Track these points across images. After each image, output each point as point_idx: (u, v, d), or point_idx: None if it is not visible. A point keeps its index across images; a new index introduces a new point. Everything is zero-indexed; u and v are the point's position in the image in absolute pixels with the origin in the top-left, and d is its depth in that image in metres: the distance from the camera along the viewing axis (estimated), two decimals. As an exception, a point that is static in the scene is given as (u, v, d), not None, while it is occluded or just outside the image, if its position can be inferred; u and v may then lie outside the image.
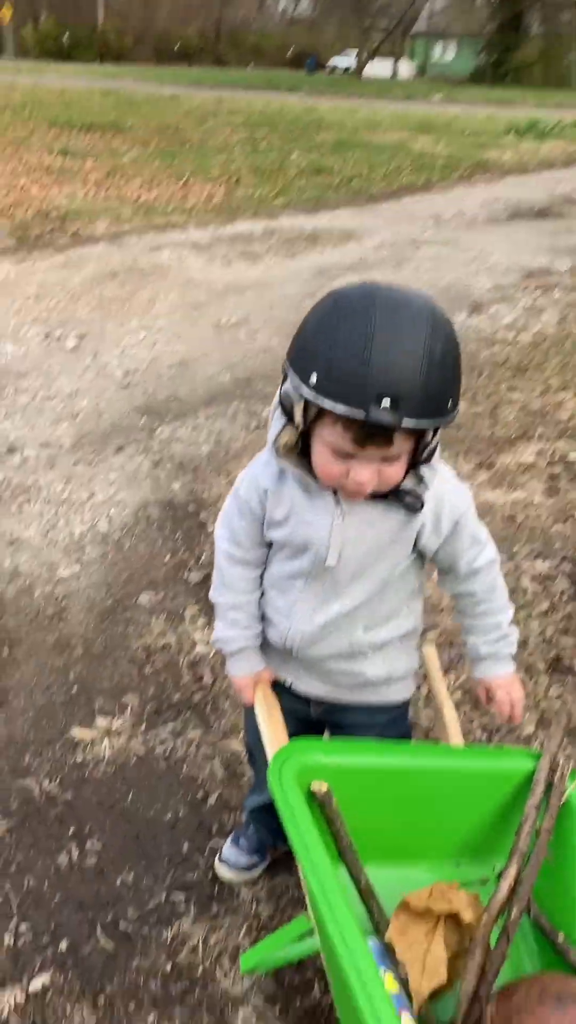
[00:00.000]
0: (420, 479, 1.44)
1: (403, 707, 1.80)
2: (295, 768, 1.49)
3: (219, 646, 1.75)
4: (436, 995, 1.45)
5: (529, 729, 2.50)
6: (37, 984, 1.75)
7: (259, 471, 1.59)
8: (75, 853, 2.05)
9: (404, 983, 1.41)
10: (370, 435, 1.32)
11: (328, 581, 1.57)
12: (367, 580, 1.56)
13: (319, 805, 1.50)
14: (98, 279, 6.77)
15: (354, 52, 58.54)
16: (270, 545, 1.65)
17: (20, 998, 1.72)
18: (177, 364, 5.09)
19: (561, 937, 1.53)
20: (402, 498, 1.46)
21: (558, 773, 1.63)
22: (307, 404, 1.37)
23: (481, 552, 1.60)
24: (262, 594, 1.71)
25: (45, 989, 1.74)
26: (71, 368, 4.95)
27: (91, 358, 5.11)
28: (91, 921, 1.89)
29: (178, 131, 18.03)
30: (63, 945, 1.84)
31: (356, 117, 22.79)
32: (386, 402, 1.26)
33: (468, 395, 4.83)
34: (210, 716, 2.48)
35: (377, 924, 1.48)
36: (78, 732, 2.40)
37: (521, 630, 2.80)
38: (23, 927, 1.87)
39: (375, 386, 1.26)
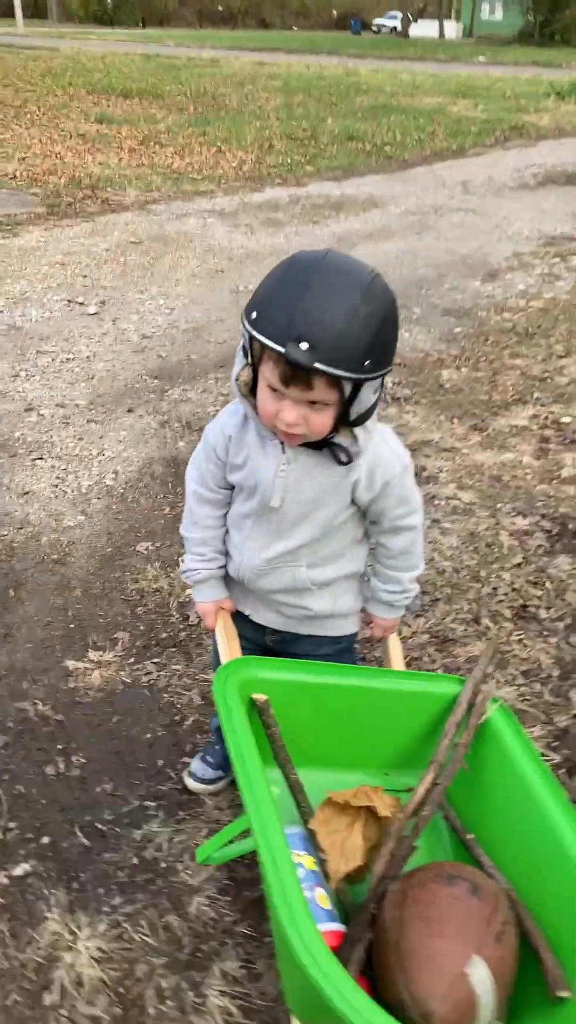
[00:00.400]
0: (355, 438, 1.63)
1: (348, 641, 2.00)
2: (238, 680, 1.70)
3: (187, 576, 1.96)
4: (354, 879, 1.67)
5: (487, 669, 2.69)
6: (19, 870, 2.00)
7: (225, 420, 1.79)
8: (62, 765, 2.30)
9: (323, 864, 1.63)
10: (293, 375, 1.49)
11: (273, 521, 1.77)
12: (309, 524, 1.75)
13: (259, 713, 1.72)
14: (123, 246, 6.97)
15: (399, 13, 57.53)
16: (233, 488, 1.85)
17: (4, 880, 1.97)
18: (192, 329, 5.30)
19: (470, 836, 1.74)
20: (335, 451, 1.65)
21: (480, 697, 1.83)
22: (251, 341, 1.56)
23: (407, 515, 1.78)
24: (226, 531, 1.92)
25: (27, 874, 1.99)
26: (91, 332, 5.18)
27: (111, 323, 5.34)
28: (71, 821, 2.13)
29: (215, 97, 18.07)
30: (45, 840, 2.09)
31: (396, 81, 22.60)
32: (304, 344, 1.43)
33: (471, 361, 4.98)
34: (193, 652, 2.71)
35: (304, 815, 1.70)
36: (72, 663, 2.64)
37: (493, 581, 3.02)
38: (12, 824, 2.12)
39: (297, 327, 1.43)
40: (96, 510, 3.42)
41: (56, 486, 3.57)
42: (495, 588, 3.06)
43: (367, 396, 1.56)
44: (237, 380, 1.67)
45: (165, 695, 2.54)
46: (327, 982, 1.19)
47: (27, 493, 3.52)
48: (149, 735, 2.40)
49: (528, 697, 2.60)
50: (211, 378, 4.61)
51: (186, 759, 2.30)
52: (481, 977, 1.37)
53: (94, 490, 3.55)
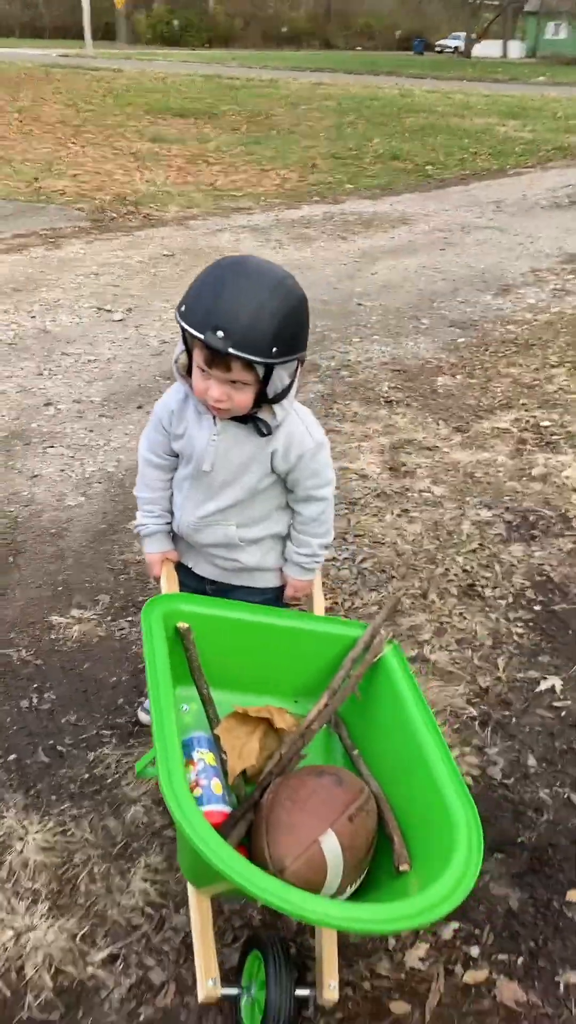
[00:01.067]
0: (274, 414, 1.95)
1: (274, 593, 2.30)
2: (164, 611, 2.03)
3: (137, 529, 2.28)
4: (250, 779, 1.98)
5: (426, 635, 2.99)
6: (-13, 778, 2.36)
7: (169, 397, 2.13)
8: (35, 700, 2.65)
9: (223, 763, 1.95)
10: (213, 358, 1.81)
11: (205, 484, 2.09)
12: (235, 486, 2.08)
13: (180, 639, 2.04)
14: (155, 259, 7.40)
15: (464, 33, 57.83)
16: (178, 456, 2.19)
17: (-27, 786, 2.33)
18: (208, 335, 5.67)
19: (356, 752, 2.04)
20: (257, 424, 1.98)
21: (377, 639, 2.13)
22: (184, 331, 1.89)
23: (317, 488, 2.08)
24: (171, 494, 2.25)
25: (-8, 782, 2.35)
26: (114, 337, 5.58)
27: (134, 329, 5.74)
28: (36, 744, 2.48)
29: (269, 117, 18.54)
30: (12, 757, 2.44)
31: (448, 101, 22.88)
32: (220, 333, 1.74)
33: (467, 369, 5.27)
34: (163, 613, 3.04)
35: (212, 723, 2.01)
36: (56, 618, 3.00)
37: (447, 563, 3.32)
38: (-15, 744, 2.48)
39: (214, 318, 1.75)
40: (96, 492, 3.79)
41: (63, 471, 3.96)
42: (447, 569, 3.35)
43: (280, 378, 1.87)
44: (176, 363, 2.01)
45: (134, 647, 2.88)
46: (195, 836, 1.48)
47: (36, 476, 3.91)
48: (114, 679, 2.74)
49: (458, 661, 2.88)
50: (219, 380, 4.97)
51: (143, 698, 2.63)
52: (331, 847, 1.67)
53: (96, 475, 3.93)
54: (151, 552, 2.29)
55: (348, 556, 3.40)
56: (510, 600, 3.20)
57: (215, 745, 1.98)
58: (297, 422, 2.01)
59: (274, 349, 1.78)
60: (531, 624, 3.09)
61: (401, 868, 1.70)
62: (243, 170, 12.30)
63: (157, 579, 2.31)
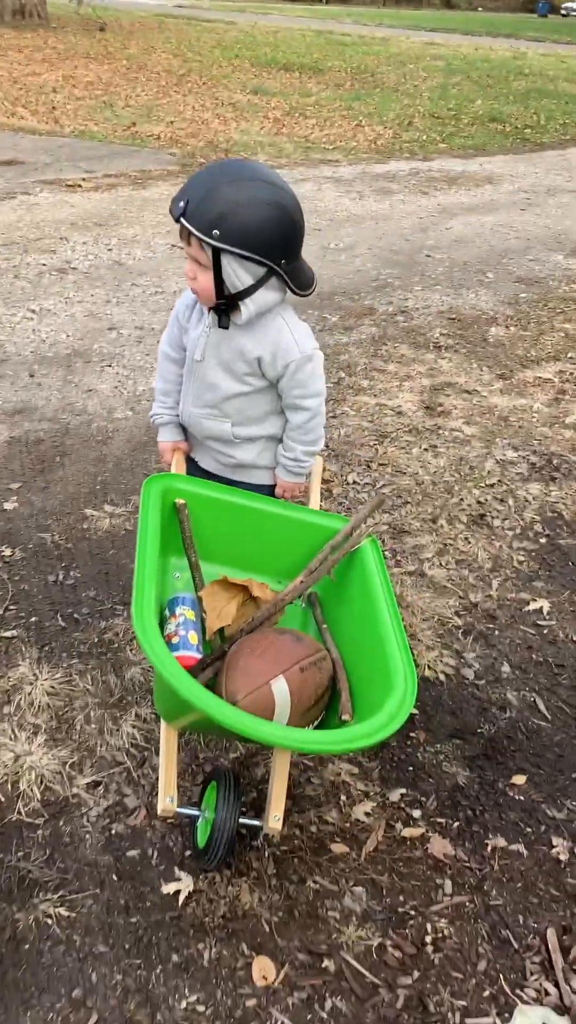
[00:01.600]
0: (239, 312, 2.09)
1: (268, 491, 2.51)
2: (163, 486, 2.25)
3: (152, 418, 2.49)
4: (226, 638, 2.21)
5: (428, 554, 3.17)
6: (8, 633, 2.65)
7: (188, 293, 2.31)
8: (61, 575, 2.94)
9: (203, 621, 2.19)
10: (179, 230, 1.98)
11: (199, 376, 2.26)
12: (226, 378, 2.21)
13: (176, 512, 2.28)
14: (236, 203, 7.59)
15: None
16: None
17: (-4, 639, 2.64)
18: (274, 276, 5.86)
19: (325, 626, 2.25)
20: (221, 316, 2.11)
21: (357, 532, 2.33)
22: None
23: (303, 398, 2.22)
24: None
25: (13, 637, 2.64)
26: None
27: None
28: (56, 611, 2.77)
29: (375, 75, 18.42)
30: (33, 619, 2.73)
31: (563, 66, 22.28)
32: (181, 202, 1.93)
33: (522, 322, 5.35)
34: (188, 515, 3.30)
35: (197, 587, 2.25)
36: (90, 511, 3.29)
37: (463, 495, 3.49)
38: (11, 607, 2.78)
39: (183, 193, 1.95)
40: (143, 408, 4.05)
41: (116, 387, 4.24)
42: (462, 499, 3.52)
43: (236, 272, 1.98)
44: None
45: (156, 541, 3.13)
46: (162, 667, 1.72)
47: (91, 390, 4.19)
48: (134, 565, 3.00)
49: (454, 579, 3.07)
50: (277, 317, 5.18)
51: (156, 583, 2.89)
52: (281, 689, 1.90)
53: (146, 394, 4.19)
54: (163, 440, 2.51)
55: (369, 482, 3.59)
56: (517, 531, 3.36)
57: (197, 605, 2.22)
58: (286, 332, 2.14)
59: (214, 231, 1.91)
60: (533, 553, 3.24)
61: (343, 717, 1.92)
62: (339, 125, 12.34)
63: (168, 466, 2.54)
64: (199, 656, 2.08)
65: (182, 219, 1.93)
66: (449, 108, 14.22)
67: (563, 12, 61.02)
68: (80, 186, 7.81)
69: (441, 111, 13.89)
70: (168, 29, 25.00)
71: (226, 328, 2.14)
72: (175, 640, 2.08)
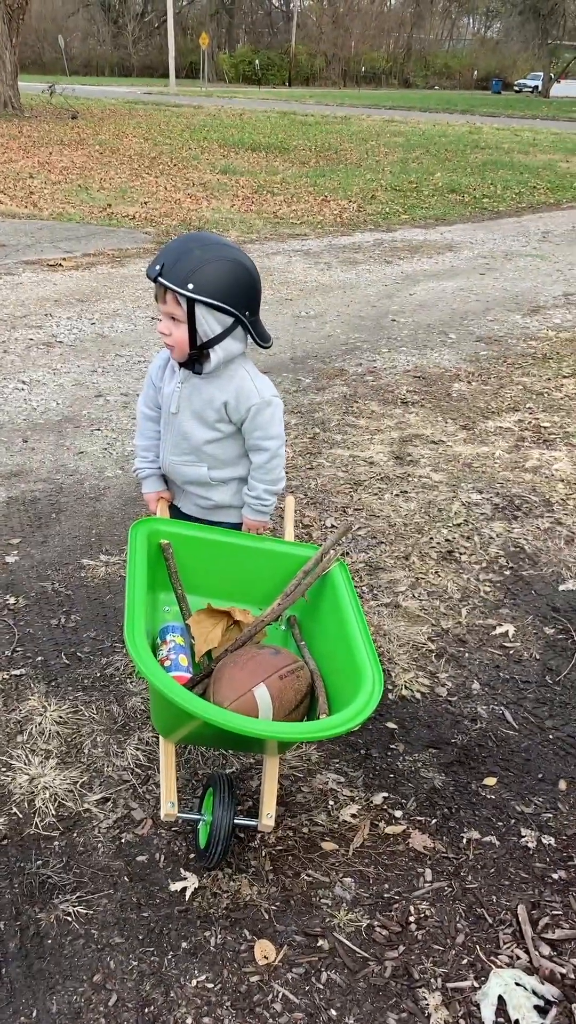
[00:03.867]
0: (209, 360, 2.37)
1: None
2: (148, 530, 2.51)
3: (136, 473, 2.75)
4: (213, 660, 2.44)
5: (402, 587, 3.44)
6: (18, 672, 2.88)
7: (158, 357, 2.60)
8: (63, 619, 3.17)
9: (191, 646, 2.43)
10: (156, 291, 2.29)
11: (175, 427, 2.53)
12: (198, 430, 2.49)
13: (162, 551, 2.53)
14: (210, 277, 7.99)
15: (542, 73, 58.32)
16: None
17: (7, 676, 2.85)
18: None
19: (303, 643, 2.49)
20: (194, 365, 2.40)
21: (327, 557, 2.58)
22: None
23: (263, 439, 2.48)
24: None
25: (23, 675, 2.87)
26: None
27: (182, 336, 6.31)
28: (60, 651, 3.00)
29: (338, 152, 19.27)
30: (40, 659, 2.96)
31: (516, 139, 23.36)
32: (157, 266, 2.25)
33: (483, 377, 5.70)
34: (178, 561, 3.55)
35: (185, 616, 2.49)
36: (87, 561, 3.53)
37: (432, 534, 3.76)
38: (19, 648, 3.00)
39: (158, 258, 2.26)
40: (131, 467, 4.31)
41: (105, 449, 4.52)
42: (431, 538, 3.80)
43: (208, 322, 2.27)
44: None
45: (149, 586, 3.38)
46: (161, 684, 1.95)
47: (82, 452, 4.47)
48: (130, 607, 3.25)
49: (427, 608, 3.32)
50: (253, 380, 5.51)
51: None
52: (262, 695, 2.14)
53: (133, 453, 4.45)
54: (147, 491, 2.76)
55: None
56: (483, 565, 3.63)
57: (186, 632, 2.46)
58: (248, 380, 2.42)
59: (190, 285, 2.19)
60: (498, 584, 3.51)
61: (321, 716, 2.15)
62: (305, 200, 12.94)
63: (154, 514, 2.80)
64: (189, 675, 2.32)
65: (159, 278, 2.23)
66: (410, 181, 14.92)
67: (516, 88, 63.77)
68: (61, 265, 8.21)
69: (402, 184, 14.56)
70: (138, 115, 26.00)
71: (199, 374, 2.41)
72: (167, 664, 2.32)
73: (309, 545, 2.65)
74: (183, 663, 2.34)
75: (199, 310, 2.26)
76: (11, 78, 23.91)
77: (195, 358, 2.39)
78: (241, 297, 2.29)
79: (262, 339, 2.41)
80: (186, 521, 2.66)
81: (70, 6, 69.30)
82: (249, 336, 2.37)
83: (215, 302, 2.24)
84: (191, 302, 2.23)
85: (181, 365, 2.44)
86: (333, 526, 3.85)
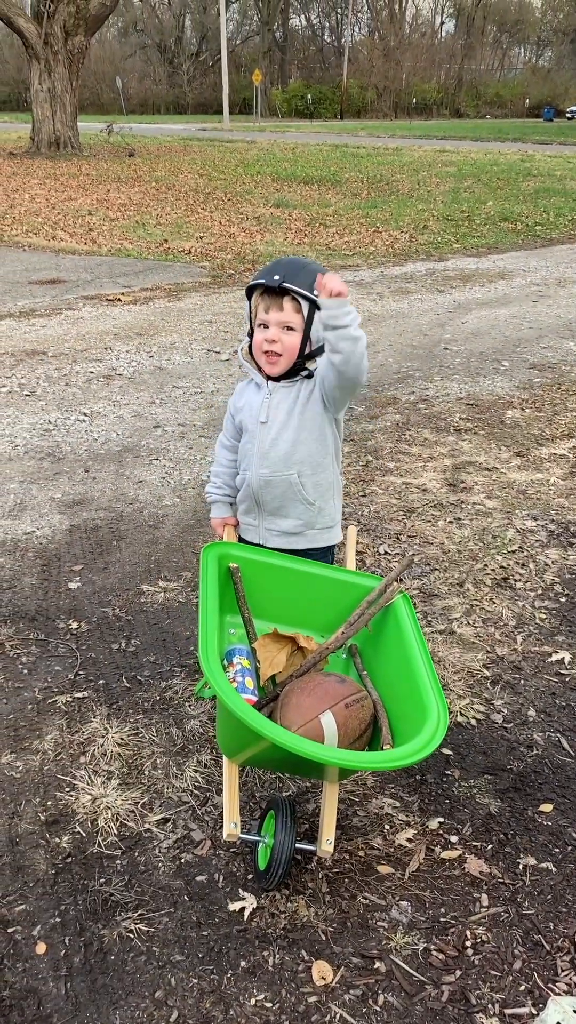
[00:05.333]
0: (304, 368, 2.50)
1: (317, 555, 2.83)
2: (218, 553, 2.58)
3: (207, 495, 2.87)
4: (277, 684, 2.49)
5: (456, 614, 3.45)
6: (81, 695, 2.96)
7: (236, 390, 2.73)
8: (123, 644, 3.26)
9: (257, 669, 2.48)
10: (271, 301, 2.39)
11: (261, 436, 2.58)
12: (288, 430, 2.55)
13: (231, 575, 2.60)
14: (264, 308, 8.14)
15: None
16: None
17: (71, 699, 2.94)
18: (303, 373, 6.32)
19: (364, 672, 2.54)
20: (300, 371, 2.50)
21: (390, 588, 2.63)
22: (250, 306, 2.49)
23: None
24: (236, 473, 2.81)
25: (85, 698, 2.95)
26: (218, 374, 6.29)
27: (237, 367, 6.44)
28: (121, 674, 3.08)
29: (389, 183, 19.43)
30: (101, 682, 3.04)
31: (569, 166, 23.31)
32: (276, 276, 2.37)
33: (536, 404, 5.71)
34: (235, 588, 3.61)
35: (251, 640, 2.55)
36: (146, 587, 3.62)
37: (486, 560, 3.79)
38: (82, 672, 3.09)
39: (272, 270, 2.39)
40: (189, 496, 4.42)
41: (163, 478, 4.62)
42: (486, 565, 3.81)
43: (318, 328, 2.38)
44: (240, 351, 2.61)
45: (207, 612, 3.45)
46: (234, 705, 2.01)
47: (141, 482, 4.59)
48: (188, 633, 3.32)
49: (481, 635, 3.34)
50: (307, 410, 5.59)
51: (209, 647, 3.19)
52: (328, 722, 2.19)
53: (191, 482, 4.57)
54: (214, 517, 2.86)
55: (399, 552, 3.90)
56: (539, 592, 3.63)
57: (252, 655, 2.52)
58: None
59: (315, 292, 2.33)
60: (554, 611, 3.51)
61: (384, 747, 2.19)
62: (357, 232, 13.08)
63: (220, 540, 2.87)
64: (255, 698, 2.37)
65: (285, 284, 2.35)
66: (462, 210, 14.99)
67: (568, 115, 63.59)
68: (120, 300, 8.42)
69: (454, 214, 14.64)
70: (193, 151, 26.54)
71: (310, 377, 2.51)
72: (234, 685, 2.37)
73: (372, 576, 2.69)
74: (249, 686, 2.40)
75: (317, 317, 2.36)
76: (71, 119, 24.64)
77: (294, 369, 2.50)
78: None
79: None
80: (251, 545, 2.73)
81: (127, 49, 71.32)
82: None
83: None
84: (312, 310, 2.36)
85: (269, 379, 2.54)
86: (387, 552, 3.89)
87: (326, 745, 2.17)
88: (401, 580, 2.89)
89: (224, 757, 2.38)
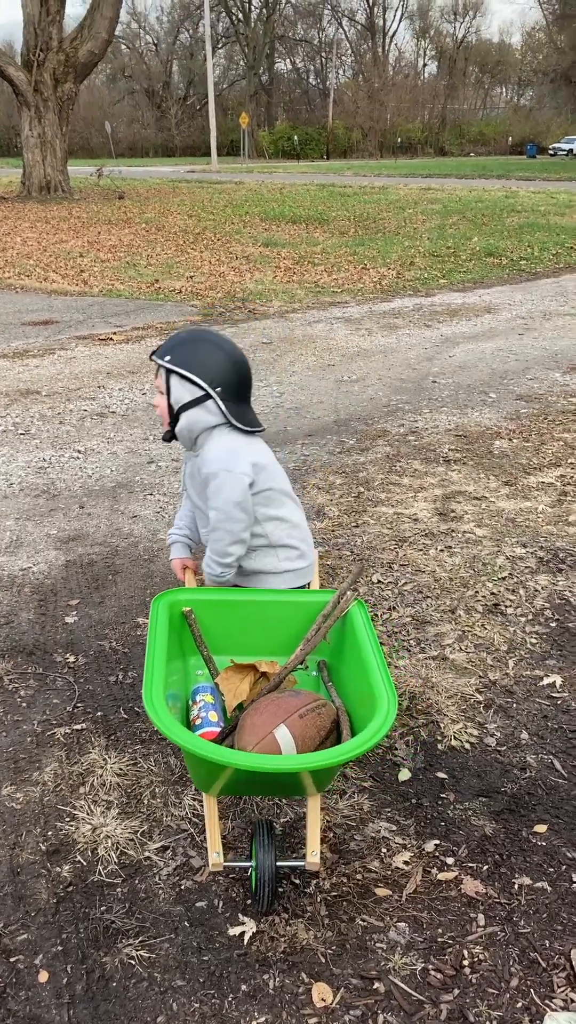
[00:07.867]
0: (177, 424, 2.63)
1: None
2: (169, 600, 2.62)
3: (168, 539, 2.99)
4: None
5: (449, 640, 3.51)
6: (79, 726, 3.00)
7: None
8: (120, 676, 3.30)
9: (222, 703, 2.53)
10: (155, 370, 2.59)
11: (191, 504, 2.82)
12: (202, 501, 2.71)
13: (185, 618, 2.64)
14: (255, 346, 8.26)
15: (576, 136, 59.25)
16: None
17: (69, 731, 2.97)
18: (294, 408, 6.41)
19: (330, 683, 2.58)
20: (166, 434, 2.69)
21: (344, 599, 2.66)
22: None
23: (210, 509, 2.62)
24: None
25: (83, 729, 2.99)
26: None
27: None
28: (118, 705, 3.12)
29: (376, 221, 19.75)
30: (99, 713, 3.08)
31: (552, 201, 23.72)
32: (160, 346, 2.56)
33: (523, 434, 5.80)
34: (230, 619, 3.66)
35: (213, 675, 2.60)
36: (141, 620, 3.67)
37: (478, 588, 3.84)
38: (79, 704, 3.13)
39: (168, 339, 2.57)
40: (183, 529, 4.48)
41: (158, 512, 4.69)
42: (477, 591, 3.87)
43: (179, 392, 2.54)
44: None
45: (202, 643, 3.50)
46: (179, 738, 2.05)
47: (135, 517, 4.65)
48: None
49: (474, 660, 3.39)
50: (298, 444, 5.67)
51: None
52: (284, 735, 2.22)
53: (185, 516, 4.63)
54: (173, 558, 3.02)
55: (391, 580, 3.96)
56: (529, 617, 3.69)
57: (215, 690, 2.57)
58: (212, 450, 2.62)
59: (167, 356, 2.52)
60: (544, 636, 3.56)
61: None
62: (346, 269, 13.28)
63: (181, 582, 2.95)
64: (218, 730, 2.43)
65: (153, 356, 2.54)
66: (447, 246, 15.23)
67: (550, 152, 64.75)
68: (112, 339, 8.54)
69: (440, 250, 14.88)
70: (182, 193, 26.94)
71: (168, 441, 2.69)
72: (198, 722, 2.45)
73: (327, 591, 2.74)
74: (213, 719, 2.46)
75: (173, 380, 2.54)
76: (61, 164, 25.03)
77: (172, 425, 2.65)
78: (211, 373, 2.52)
79: (243, 423, 2.61)
80: (201, 587, 2.80)
81: (116, 94, 72.53)
82: (221, 411, 2.56)
83: (185, 372, 2.50)
84: (168, 373, 2.53)
85: (171, 440, 2.70)
86: (379, 581, 3.94)
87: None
88: (355, 589, 2.94)
89: (203, 793, 2.42)
